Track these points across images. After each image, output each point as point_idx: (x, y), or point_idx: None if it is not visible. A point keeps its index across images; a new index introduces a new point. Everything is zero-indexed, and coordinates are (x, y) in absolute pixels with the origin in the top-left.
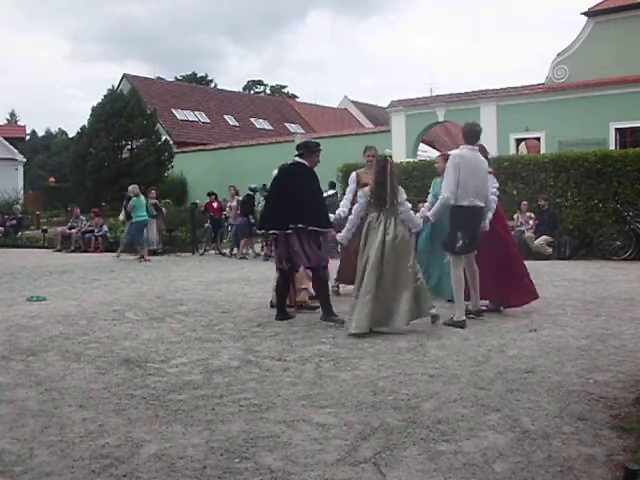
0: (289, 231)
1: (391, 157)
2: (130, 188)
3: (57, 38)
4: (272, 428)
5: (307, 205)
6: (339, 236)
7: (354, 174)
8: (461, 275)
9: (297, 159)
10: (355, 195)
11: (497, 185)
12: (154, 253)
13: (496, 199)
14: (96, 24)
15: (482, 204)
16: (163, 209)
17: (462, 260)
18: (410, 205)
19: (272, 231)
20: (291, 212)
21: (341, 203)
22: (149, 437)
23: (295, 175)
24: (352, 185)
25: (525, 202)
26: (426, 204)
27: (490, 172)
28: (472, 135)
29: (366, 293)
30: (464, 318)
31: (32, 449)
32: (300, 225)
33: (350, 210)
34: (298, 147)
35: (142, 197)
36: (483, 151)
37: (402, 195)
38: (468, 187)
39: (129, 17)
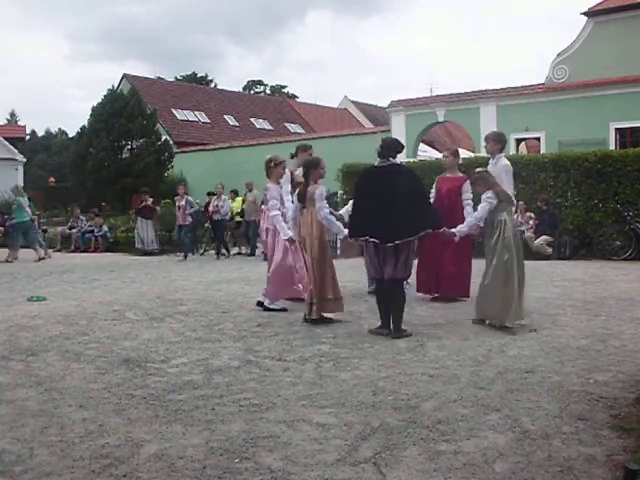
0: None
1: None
2: (13, 186)
3: (57, 38)
4: (272, 428)
5: (423, 208)
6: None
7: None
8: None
9: (394, 160)
10: None
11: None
12: (150, 254)
13: (472, 204)
14: (96, 24)
15: None
16: (157, 209)
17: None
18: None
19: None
20: (416, 217)
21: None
22: (149, 437)
23: (412, 177)
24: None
25: (522, 202)
26: None
27: (467, 178)
28: (505, 144)
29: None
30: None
31: (32, 449)
32: (421, 233)
33: None
34: (389, 149)
35: (26, 197)
36: (459, 156)
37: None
38: (510, 191)
39: (129, 17)
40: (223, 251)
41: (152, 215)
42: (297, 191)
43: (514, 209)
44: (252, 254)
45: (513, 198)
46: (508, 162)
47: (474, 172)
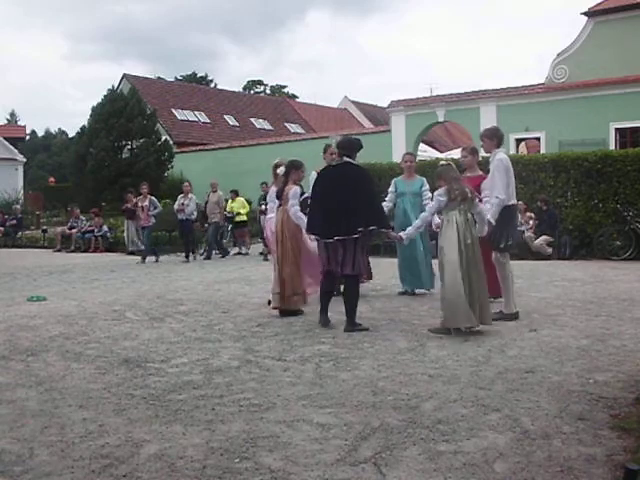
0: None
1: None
2: None
3: (56, 38)
4: (272, 428)
5: (363, 207)
6: (404, 234)
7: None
8: (507, 271)
9: (346, 159)
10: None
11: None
12: (133, 253)
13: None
14: (95, 23)
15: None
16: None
17: (508, 257)
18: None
19: (335, 238)
20: (355, 216)
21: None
22: (149, 437)
23: (344, 177)
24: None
25: (521, 202)
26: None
27: (485, 177)
28: (502, 139)
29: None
30: (516, 310)
31: (32, 449)
32: (360, 229)
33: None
34: (344, 147)
35: None
36: (477, 154)
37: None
38: (511, 188)
39: (128, 17)
40: (215, 252)
41: (133, 216)
42: (277, 189)
43: (493, 207)
44: (208, 257)
45: (501, 195)
46: (504, 157)
47: (439, 165)
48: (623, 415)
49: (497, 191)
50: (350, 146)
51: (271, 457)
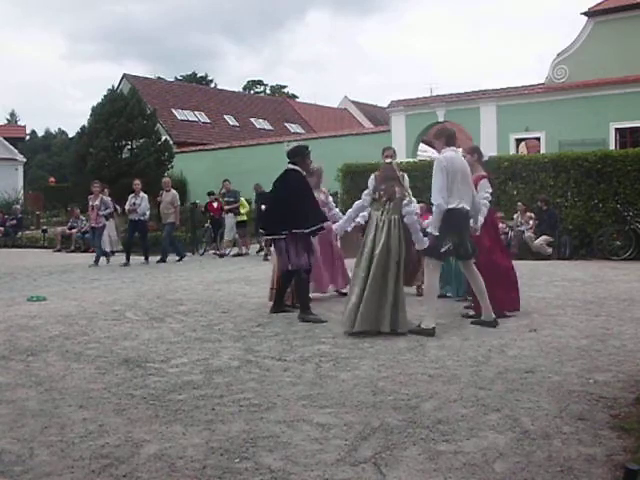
0: (281, 236)
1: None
2: None
3: (56, 38)
4: (272, 428)
5: (297, 209)
6: (335, 226)
7: (372, 177)
8: (436, 283)
9: (290, 166)
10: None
11: (490, 191)
12: (111, 254)
13: (487, 204)
14: (95, 23)
15: (468, 207)
16: (118, 208)
17: (439, 267)
18: (414, 209)
19: (270, 236)
20: (284, 218)
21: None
22: (149, 437)
23: (286, 183)
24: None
25: (520, 203)
26: (421, 205)
27: (484, 176)
28: (453, 137)
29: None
30: (433, 326)
31: (32, 449)
32: (286, 231)
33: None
34: (290, 155)
35: None
36: (478, 153)
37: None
38: (455, 190)
39: (128, 17)
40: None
41: (112, 215)
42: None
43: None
44: (180, 259)
45: (435, 200)
46: (445, 156)
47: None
48: (623, 415)
49: (432, 196)
50: (293, 154)
51: (271, 457)
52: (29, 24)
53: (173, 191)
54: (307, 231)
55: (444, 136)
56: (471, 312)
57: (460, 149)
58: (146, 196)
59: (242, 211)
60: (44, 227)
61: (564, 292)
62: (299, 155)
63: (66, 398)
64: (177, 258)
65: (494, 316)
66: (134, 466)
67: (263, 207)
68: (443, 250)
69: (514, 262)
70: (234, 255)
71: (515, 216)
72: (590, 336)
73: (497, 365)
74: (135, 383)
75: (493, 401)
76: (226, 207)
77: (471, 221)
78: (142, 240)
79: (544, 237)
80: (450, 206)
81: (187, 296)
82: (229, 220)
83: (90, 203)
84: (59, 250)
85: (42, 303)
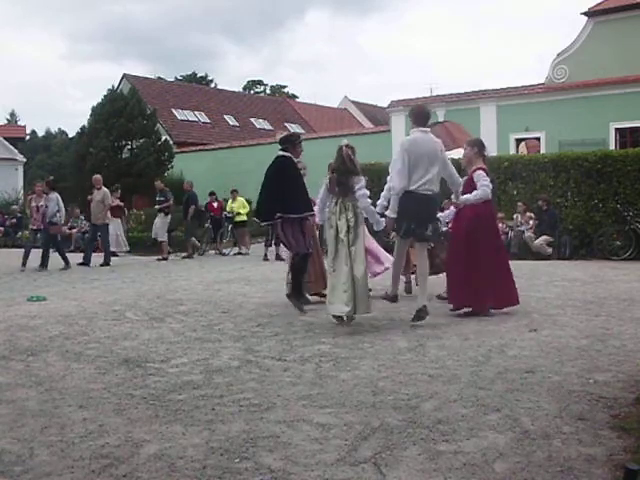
0: (275, 221)
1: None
2: None
3: (56, 37)
4: (272, 428)
5: (287, 194)
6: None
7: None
8: (401, 261)
9: (280, 152)
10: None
11: (487, 181)
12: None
13: (487, 189)
14: (95, 23)
15: (431, 191)
16: (126, 210)
17: (407, 245)
18: (366, 192)
19: (264, 222)
20: (274, 203)
21: (382, 194)
22: (149, 437)
23: (277, 168)
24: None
25: (520, 203)
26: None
27: (479, 168)
28: (422, 117)
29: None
30: (397, 293)
31: (32, 449)
32: (279, 215)
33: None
34: (280, 142)
35: None
36: (478, 146)
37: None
38: (416, 172)
39: (128, 17)
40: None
41: (118, 213)
42: None
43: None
44: (106, 263)
45: (393, 182)
46: (410, 138)
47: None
48: (623, 415)
49: (390, 178)
50: (283, 140)
51: (271, 457)
52: (29, 24)
53: (104, 189)
54: (297, 216)
55: (414, 114)
56: (443, 294)
57: (459, 150)
58: (55, 196)
59: (242, 211)
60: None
61: (564, 292)
62: (289, 142)
63: (66, 398)
64: (79, 262)
65: (425, 303)
66: (134, 466)
67: (192, 208)
68: (402, 232)
69: (514, 262)
70: (234, 254)
71: (515, 216)
72: (590, 336)
73: (497, 365)
74: (135, 383)
75: (493, 401)
76: (156, 206)
77: (452, 196)
78: (47, 245)
79: (544, 237)
80: (410, 188)
81: (187, 296)
82: (159, 220)
83: (33, 203)
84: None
85: (42, 303)
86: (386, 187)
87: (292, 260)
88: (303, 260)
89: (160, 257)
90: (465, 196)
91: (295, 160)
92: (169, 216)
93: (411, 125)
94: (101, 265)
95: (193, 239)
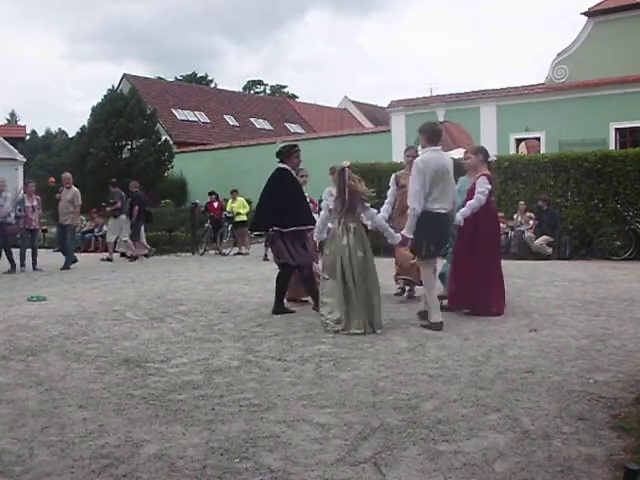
0: (272, 232)
1: (349, 167)
2: None
3: (56, 37)
4: (272, 428)
5: (285, 207)
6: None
7: (393, 176)
8: (430, 278)
9: (279, 165)
10: (395, 198)
11: (487, 187)
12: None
13: (481, 198)
14: (95, 23)
15: (447, 209)
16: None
17: (431, 265)
18: (374, 211)
19: (256, 232)
20: (272, 215)
21: (382, 207)
22: (149, 437)
23: (274, 180)
24: (392, 187)
25: (522, 202)
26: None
27: (484, 174)
28: (435, 135)
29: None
30: (440, 320)
31: (32, 449)
32: (276, 228)
33: (392, 213)
34: (277, 155)
35: None
36: (483, 154)
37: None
38: (435, 192)
39: (128, 17)
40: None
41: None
42: None
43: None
44: (67, 267)
45: (411, 203)
46: (423, 158)
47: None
48: (623, 415)
49: (408, 199)
50: (279, 152)
51: (271, 457)
52: (29, 24)
53: (74, 188)
54: (290, 230)
55: (427, 133)
56: (445, 302)
57: (459, 150)
58: (10, 195)
59: (242, 211)
60: (44, 227)
61: (564, 292)
62: (284, 153)
63: (66, 398)
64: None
65: (441, 319)
66: (134, 466)
67: (136, 208)
68: (424, 253)
69: (515, 262)
70: (235, 254)
71: (515, 216)
72: (590, 336)
73: (497, 365)
74: (135, 383)
75: (493, 401)
76: (108, 208)
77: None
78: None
79: (544, 237)
80: (429, 209)
81: (187, 296)
82: (111, 222)
83: (27, 204)
84: (59, 250)
85: (42, 303)
86: (386, 201)
87: (300, 273)
88: (308, 272)
89: (104, 257)
90: (461, 211)
91: (293, 172)
92: (121, 217)
93: (423, 143)
94: (61, 269)
95: (143, 241)
